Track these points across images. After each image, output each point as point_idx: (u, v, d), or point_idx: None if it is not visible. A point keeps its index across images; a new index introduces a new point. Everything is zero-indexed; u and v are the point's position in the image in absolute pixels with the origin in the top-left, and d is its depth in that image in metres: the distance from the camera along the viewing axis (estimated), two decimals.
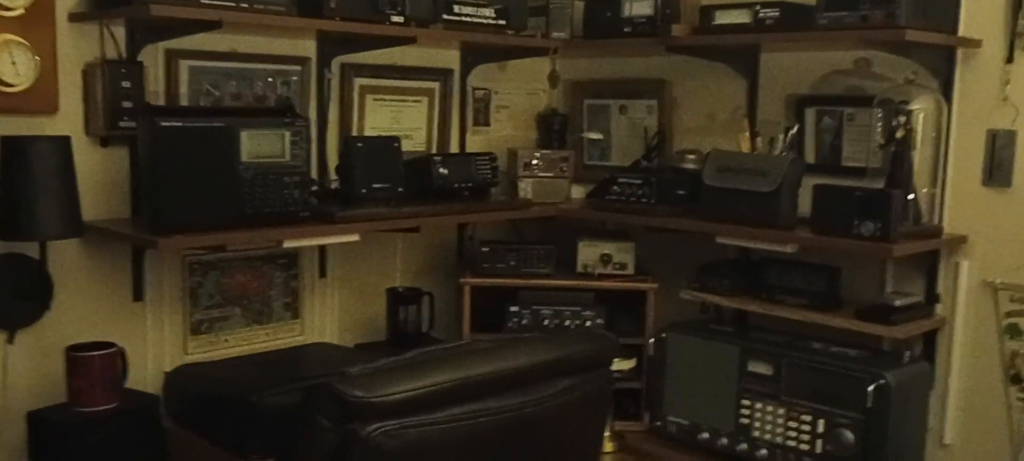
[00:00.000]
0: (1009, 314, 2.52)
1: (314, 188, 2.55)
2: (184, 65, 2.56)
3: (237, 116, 2.34)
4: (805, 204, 2.57)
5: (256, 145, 2.31)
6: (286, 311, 2.89)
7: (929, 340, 2.65)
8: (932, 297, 2.64)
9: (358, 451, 1.62)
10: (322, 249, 2.92)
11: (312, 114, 2.83)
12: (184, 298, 2.66)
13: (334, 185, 2.69)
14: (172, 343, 2.65)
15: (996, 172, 2.50)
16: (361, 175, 2.52)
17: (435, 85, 3.16)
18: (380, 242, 3.05)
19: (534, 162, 3.16)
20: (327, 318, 2.98)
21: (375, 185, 2.54)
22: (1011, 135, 2.46)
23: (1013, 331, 2.52)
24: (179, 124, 2.21)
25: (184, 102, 2.55)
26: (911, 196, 2.48)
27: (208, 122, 2.27)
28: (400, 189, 2.60)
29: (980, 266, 2.56)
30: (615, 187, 2.93)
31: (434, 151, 3.10)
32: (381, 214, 2.52)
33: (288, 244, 2.38)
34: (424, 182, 2.73)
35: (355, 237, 2.46)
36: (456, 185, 2.78)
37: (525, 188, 3.13)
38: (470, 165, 2.85)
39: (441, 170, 2.74)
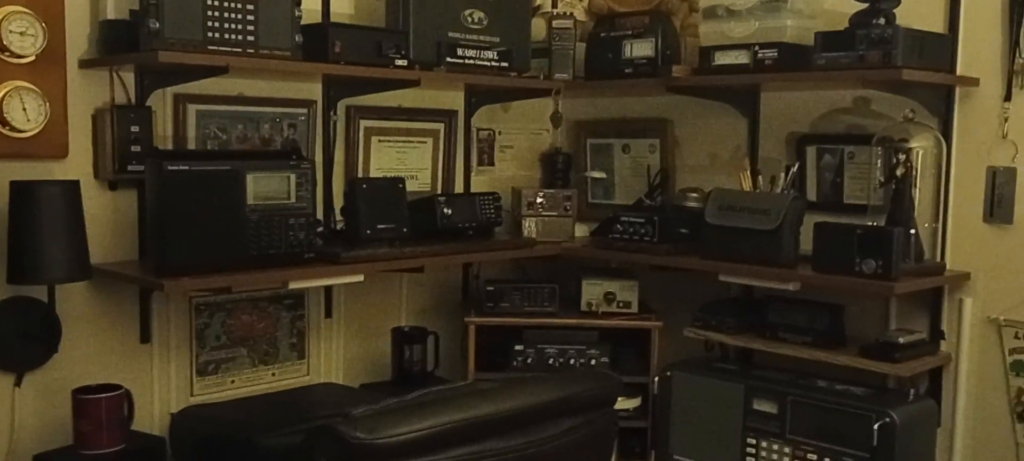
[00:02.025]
0: (1014, 351, 2.51)
1: (320, 229, 2.57)
2: (192, 109, 2.58)
3: (243, 159, 2.36)
4: (807, 242, 2.57)
5: (262, 187, 2.33)
6: (292, 351, 2.89)
7: (935, 377, 2.63)
8: (936, 334, 2.62)
9: None
10: (328, 289, 2.92)
11: (318, 156, 2.84)
12: (190, 339, 2.66)
13: (339, 226, 2.70)
14: (178, 385, 2.64)
15: (997, 209, 2.50)
16: (366, 216, 2.53)
17: (440, 126, 3.17)
18: (385, 282, 3.05)
19: (538, 201, 3.17)
20: (333, 358, 2.98)
21: (380, 226, 2.54)
22: (1011, 172, 2.46)
23: (1019, 367, 2.50)
24: (186, 168, 2.23)
25: (192, 145, 2.57)
26: (912, 233, 2.47)
27: (215, 165, 2.29)
28: (405, 229, 2.60)
29: (983, 303, 2.55)
30: (618, 226, 2.93)
31: (439, 191, 3.11)
32: (385, 255, 2.52)
33: (293, 285, 2.38)
34: (429, 222, 2.74)
35: (359, 278, 2.47)
36: (460, 225, 2.78)
37: (529, 227, 3.13)
38: (474, 205, 2.85)
39: (445, 210, 2.75)
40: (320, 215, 2.79)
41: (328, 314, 2.94)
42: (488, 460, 1.75)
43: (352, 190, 2.57)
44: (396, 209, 2.59)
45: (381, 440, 1.63)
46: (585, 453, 1.97)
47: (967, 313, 2.57)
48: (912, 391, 2.52)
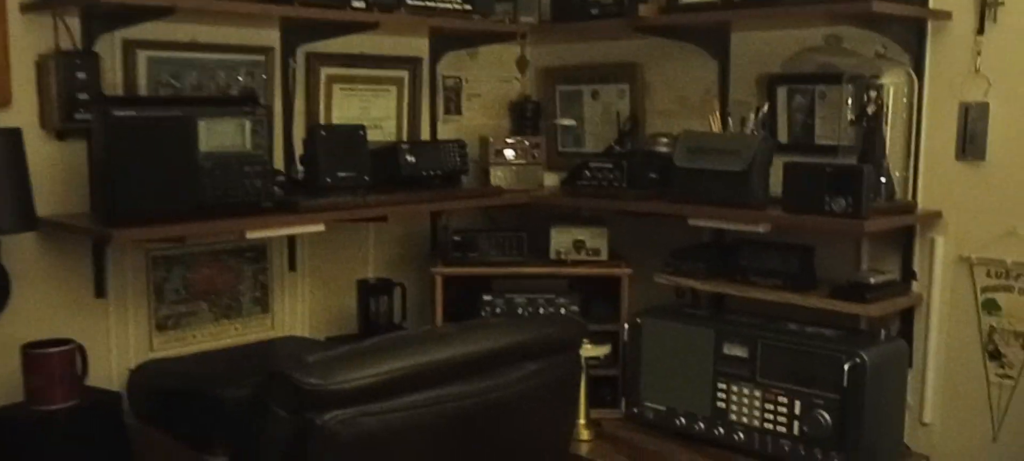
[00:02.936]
0: (986, 289, 2.48)
1: (279, 179, 2.50)
2: (142, 56, 2.50)
3: (195, 106, 2.28)
4: (777, 185, 2.52)
5: (215, 135, 2.25)
6: (255, 305, 2.83)
7: (906, 318, 2.61)
8: (908, 274, 2.60)
9: (314, 441, 1.56)
10: (291, 241, 2.86)
11: (277, 105, 2.76)
12: (148, 294, 2.60)
13: (300, 175, 2.63)
14: (137, 340, 2.58)
15: (969, 146, 2.46)
16: (326, 164, 2.46)
17: (404, 74, 3.10)
18: (351, 233, 2.99)
19: (506, 150, 3.11)
20: (298, 312, 2.92)
21: (340, 174, 2.48)
22: (984, 108, 2.42)
23: (991, 306, 2.48)
24: (134, 114, 2.15)
25: (143, 94, 2.49)
26: (884, 171, 2.43)
27: (165, 112, 2.21)
28: (366, 178, 2.54)
29: (955, 242, 2.52)
30: (587, 172, 2.88)
31: (404, 140, 3.04)
32: (347, 204, 2.46)
33: (251, 235, 2.32)
34: (392, 171, 2.67)
35: (319, 227, 2.40)
36: (425, 173, 2.72)
37: (497, 176, 3.08)
38: (439, 153, 2.79)
39: (409, 158, 2.68)
40: (280, 165, 2.72)
41: (292, 267, 2.88)
42: (448, 404, 1.70)
43: (311, 138, 2.50)
44: (357, 157, 2.52)
45: (335, 386, 1.58)
46: (549, 398, 1.93)
47: (939, 252, 2.54)
48: (883, 332, 2.49)
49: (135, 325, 2.57)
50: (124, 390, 2.44)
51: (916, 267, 2.60)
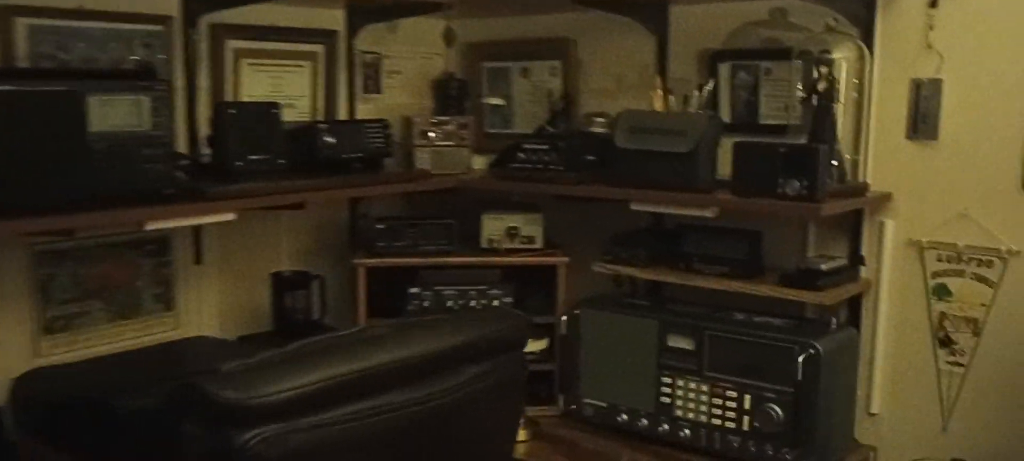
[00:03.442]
0: (936, 274, 2.44)
1: (183, 163, 2.28)
2: (21, 23, 2.24)
3: (84, 79, 2.04)
4: (725, 165, 2.42)
5: (108, 113, 2.02)
6: (157, 303, 2.59)
7: (853, 305, 2.55)
8: (856, 259, 2.54)
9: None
10: (197, 232, 2.63)
11: (179, 81, 2.53)
12: (33, 293, 2.34)
13: (207, 159, 2.40)
14: (20, 345, 2.32)
15: (921, 124, 2.40)
16: (236, 146, 2.25)
17: (319, 48, 2.90)
18: (263, 222, 2.78)
19: (431, 131, 2.94)
20: (206, 309, 2.70)
21: (252, 157, 2.27)
22: (936, 84, 2.37)
23: (941, 291, 2.43)
24: (11, 89, 1.90)
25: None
26: (835, 152, 2.36)
27: (48, 86, 1.96)
28: (281, 161, 2.33)
29: (906, 225, 2.47)
30: (520, 154, 2.73)
31: (321, 120, 2.84)
32: (260, 189, 2.25)
33: (151, 226, 2.09)
34: (309, 153, 2.47)
35: (230, 216, 2.20)
36: (345, 156, 2.53)
37: (422, 159, 2.91)
38: (360, 134, 2.60)
39: (328, 139, 2.49)
40: (183, 147, 2.49)
41: (198, 260, 2.66)
42: (387, 415, 1.54)
43: (219, 117, 2.28)
44: (270, 138, 2.32)
45: (257, 399, 1.40)
46: (494, 402, 1.78)
47: (888, 236, 2.49)
48: (833, 320, 2.42)
49: (18, 329, 2.32)
50: (7, 403, 2.19)
51: (864, 251, 2.54)
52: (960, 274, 2.40)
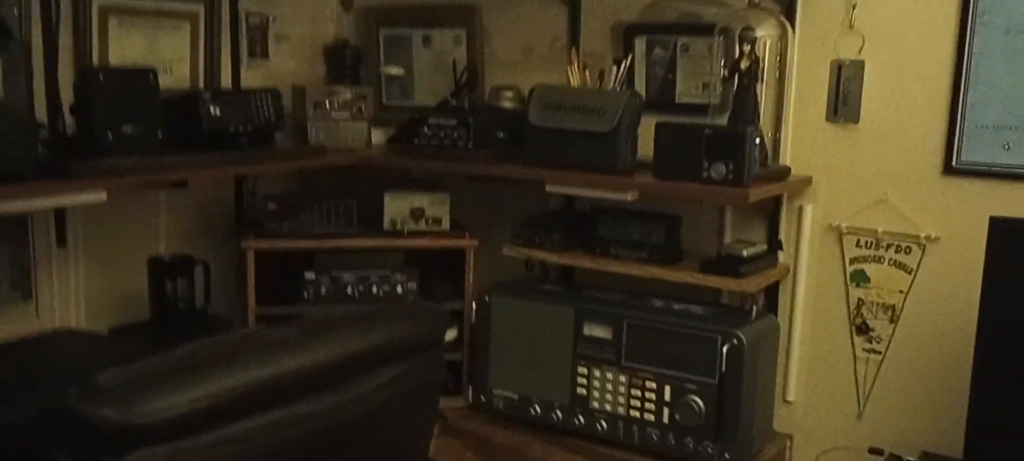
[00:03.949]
0: (855, 260, 2.42)
1: (43, 135, 2.03)
2: None
3: None
4: (645, 147, 2.33)
5: None
6: (14, 291, 2.33)
7: (771, 291, 2.51)
8: (774, 245, 2.49)
9: None
10: (59, 211, 2.37)
11: (37, 41, 2.26)
12: None
13: (71, 131, 2.15)
14: None
15: (842, 107, 2.37)
16: (105, 117, 2.01)
17: (198, 7, 2.65)
18: (138, 201, 2.54)
19: (327, 102, 2.74)
20: (71, 297, 2.44)
21: (125, 129, 2.04)
22: (858, 66, 2.33)
23: (859, 278, 2.41)
24: None
25: None
26: (759, 134, 2.30)
27: None
28: (159, 134, 2.11)
29: (824, 209, 2.44)
30: (425, 130, 2.57)
31: (202, 87, 2.61)
32: (134, 166, 2.03)
33: (6, 210, 1.85)
34: (190, 126, 2.25)
35: (100, 196, 1.96)
36: (232, 129, 2.31)
37: (317, 132, 2.71)
38: (249, 104, 2.39)
39: (213, 110, 2.27)
40: (42, 117, 2.23)
41: (61, 241, 2.40)
42: (290, 430, 1.37)
43: (85, 83, 2.03)
44: (146, 108, 2.09)
45: (141, 419, 1.21)
46: (408, 406, 1.64)
47: (807, 221, 2.45)
48: (754, 307, 2.37)
49: None
50: None
51: (782, 236, 2.50)
52: (879, 260, 2.38)
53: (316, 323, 1.57)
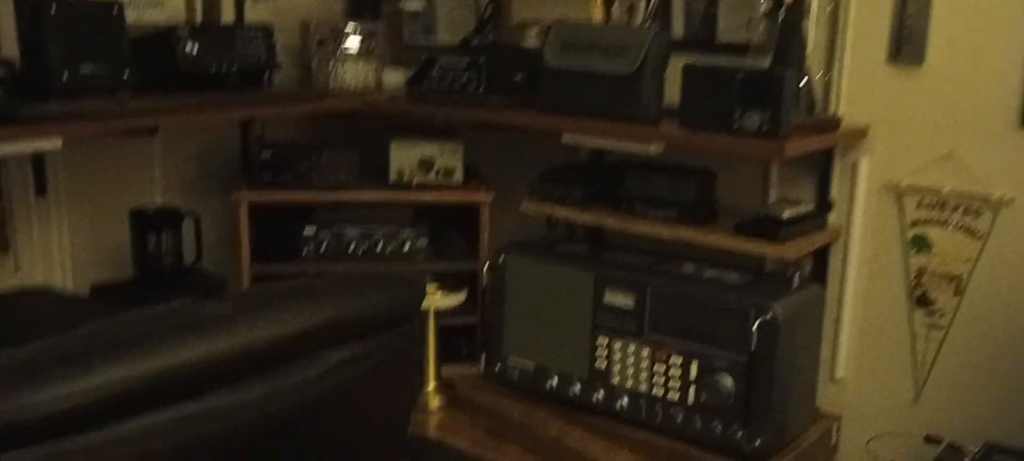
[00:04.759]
0: (916, 223, 2.13)
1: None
2: None
3: None
4: (673, 91, 2.07)
5: None
6: None
7: (819, 257, 2.24)
8: (824, 205, 2.21)
9: None
10: (38, 158, 2.23)
11: None
12: None
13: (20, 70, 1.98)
14: None
15: (905, 46, 2.06)
16: (61, 55, 1.84)
17: None
18: (128, 147, 2.39)
19: (336, 40, 2.54)
20: (54, 250, 2.32)
21: (84, 69, 1.86)
22: None
23: (920, 243, 2.13)
24: None
25: None
26: (805, 79, 2.01)
27: None
28: (125, 74, 1.93)
29: (882, 165, 2.15)
30: (434, 72, 2.35)
31: (198, 24, 2.42)
32: (94, 111, 1.85)
33: None
34: (166, 65, 2.06)
35: (54, 144, 1.80)
36: (214, 69, 2.12)
37: (322, 73, 2.51)
38: (235, 42, 2.19)
39: (189, 48, 2.07)
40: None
41: (40, 190, 2.26)
42: (204, 426, 1.19)
43: (36, 17, 1.84)
44: (110, 46, 1.91)
45: (9, 417, 1.04)
46: (370, 392, 1.44)
47: (862, 178, 2.17)
48: (796, 275, 2.11)
49: None
50: None
51: (834, 195, 2.22)
52: (943, 224, 2.09)
53: (257, 297, 1.37)
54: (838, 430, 2.30)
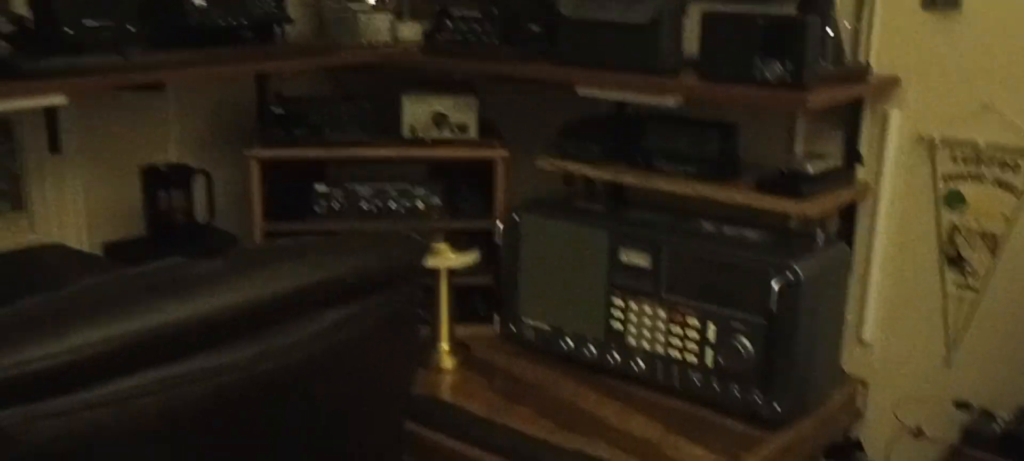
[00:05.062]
0: (949, 178, 2.04)
1: (6, 30, 1.85)
2: None
3: None
4: (692, 41, 2.00)
5: None
6: (4, 201, 2.20)
7: (847, 214, 2.16)
8: (852, 158, 2.13)
9: None
10: (51, 115, 2.22)
11: None
12: None
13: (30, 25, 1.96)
14: None
15: None
16: (67, 9, 1.81)
17: None
18: (143, 104, 2.37)
19: None
20: (69, 208, 2.31)
21: (88, 22, 1.83)
22: None
23: (954, 200, 2.04)
24: None
25: None
26: (831, 23, 1.93)
27: None
28: (131, 28, 1.90)
29: (914, 117, 2.06)
30: (447, 23, 2.29)
31: None
32: (99, 65, 1.83)
33: None
34: (174, 20, 2.03)
35: (60, 99, 1.78)
36: (222, 23, 2.08)
37: (336, 26, 2.46)
38: None
39: (197, 1, 2.04)
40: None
41: (54, 148, 2.25)
42: (189, 388, 1.16)
43: None
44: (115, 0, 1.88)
45: None
46: (364, 356, 1.41)
47: (893, 130, 2.08)
48: (820, 233, 2.03)
49: None
50: None
51: (863, 149, 2.13)
52: (978, 179, 2.00)
53: (252, 256, 1.35)
54: (865, 394, 2.23)
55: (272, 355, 1.24)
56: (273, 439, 1.28)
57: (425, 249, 1.49)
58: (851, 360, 2.22)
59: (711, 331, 1.99)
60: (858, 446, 2.25)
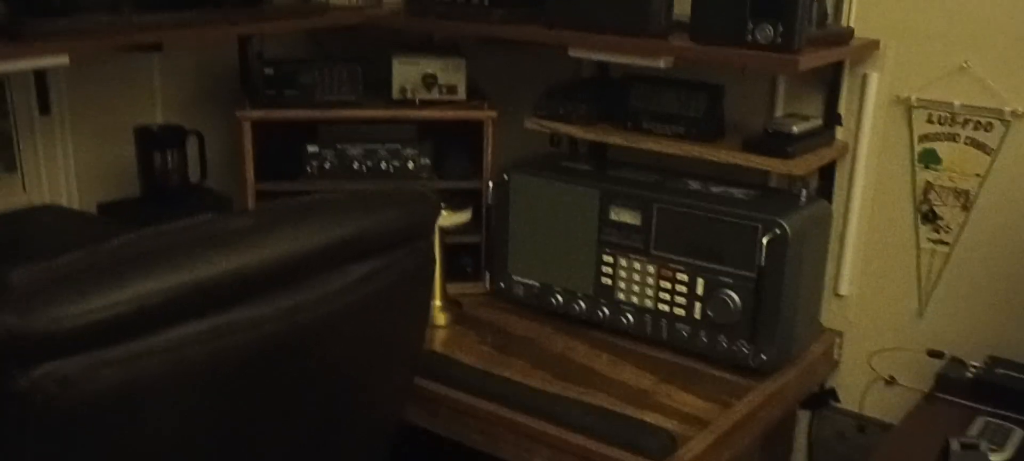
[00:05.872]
0: (925, 137, 2.17)
1: None
2: None
3: None
4: (684, 2, 2.09)
5: None
6: None
7: (826, 171, 2.28)
8: (832, 119, 2.25)
9: (15, 409, 1.08)
10: (40, 77, 2.24)
11: None
12: None
13: None
14: None
15: None
16: None
17: None
18: (129, 64, 2.39)
19: None
20: (60, 169, 2.34)
21: None
22: None
23: (928, 158, 2.17)
24: None
25: None
26: None
27: None
28: None
29: (892, 79, 2.18)
30: None
31: None
32: (97, 26, 1.86)
33: None
34: None
35: (62, 60, 1.81)
36: None
37: None
38: None
39: None
40: None
41: (44, 109, 2.27)
42: (234, 337, 1.24)
43: None
44: None
45: (49, 327, 1.08)
46: (389, 305, 1.49)
47: (871, 92, 2.20)
48: (803, 191, 2.15)
49: None
50: None
51: (842, 109, 2.25)
52: (953, 138, 2.13)
53: (280, 212, 1.42)
54: (841, 345, 2.37)
55: (305, 308, 1.32)
56: (302, 388, 1.37)
57: (438, 207, 1.57)
58: (828, 312, 2.35)
59: (700, 285, 2.10)
60: (833, 395, 2.39)
